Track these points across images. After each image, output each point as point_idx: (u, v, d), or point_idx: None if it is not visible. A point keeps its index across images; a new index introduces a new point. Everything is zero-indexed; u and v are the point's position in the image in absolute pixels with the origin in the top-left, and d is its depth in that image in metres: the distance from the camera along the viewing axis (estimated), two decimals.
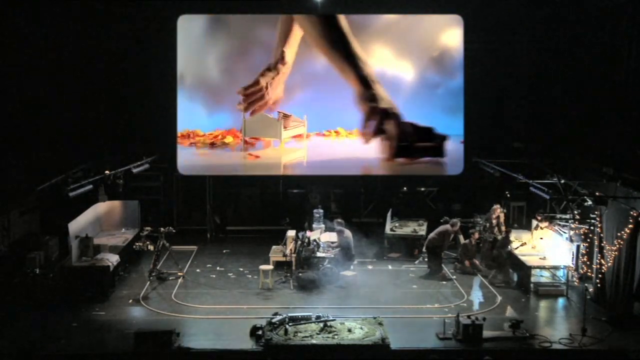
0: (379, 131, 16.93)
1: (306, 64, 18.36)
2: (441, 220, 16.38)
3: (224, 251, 17.96)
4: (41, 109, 17.38)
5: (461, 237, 16.93)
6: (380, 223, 18.39)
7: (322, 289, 14.75)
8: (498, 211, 16.50)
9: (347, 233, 15.86)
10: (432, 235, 16.13)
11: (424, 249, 17.07)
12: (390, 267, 16.61)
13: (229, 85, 18.42)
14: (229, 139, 18.20)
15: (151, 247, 15.59)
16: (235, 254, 17.53)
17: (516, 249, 15.66)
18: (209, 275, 15.89)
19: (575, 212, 14.07)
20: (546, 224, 15.38)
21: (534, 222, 16.35)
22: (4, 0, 16.64)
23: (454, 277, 15.75)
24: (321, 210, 17.69)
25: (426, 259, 16.62)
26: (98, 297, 14.03)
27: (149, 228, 15.92)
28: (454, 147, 17.98)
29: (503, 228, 16.37)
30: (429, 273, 15.84)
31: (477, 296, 14.64)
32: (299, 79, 18.40)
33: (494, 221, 16.43)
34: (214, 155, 18.01)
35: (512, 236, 15.91)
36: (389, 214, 18.15)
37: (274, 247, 16.45)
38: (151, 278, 15.18)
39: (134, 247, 16.02)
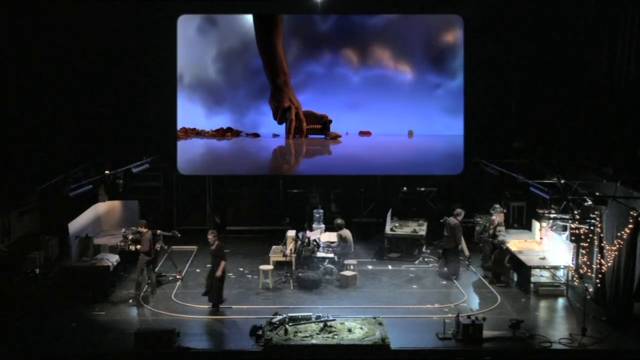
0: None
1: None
2: (441, 220, 16.31)
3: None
4: (41, 108, 17.39)
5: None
6: (380, 223, 18.38)
7: (322, 289, 14.76)
8: (501, 215, 16.46)
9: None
10: (445, 235, 15.80)
11: (423, 249, 17.10)
12: (390, 267, 16.61)
13: (228, 85, 18.46)
14: None
15: (132, 248, 15.16)
16: (235, 254, 17.50)
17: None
18: None
19: (575, 212, 14.06)
20: (550, 222, 15.39)
21: (535, 223, 16.37)
22: (5, 0, 16.66)
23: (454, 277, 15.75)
24: (321, 210, 17.69)
25: (425, 259, 16.72)
26: (98, 297, 14.03)
27: (134, 228, 15.38)
28: (454, 147, 18.01)
29: (503, 228, 16.34)
30: (447, 272, 15.58)
31: (476, 296, 14.67)
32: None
33: (497, 223, 16.41)
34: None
35: (508, 235, 15.91)
36: (389, 214, 18.13)
37: (274, 247, 16.45)
38: (149, 282, 14.93)
39: (117, 245, 15.49)
